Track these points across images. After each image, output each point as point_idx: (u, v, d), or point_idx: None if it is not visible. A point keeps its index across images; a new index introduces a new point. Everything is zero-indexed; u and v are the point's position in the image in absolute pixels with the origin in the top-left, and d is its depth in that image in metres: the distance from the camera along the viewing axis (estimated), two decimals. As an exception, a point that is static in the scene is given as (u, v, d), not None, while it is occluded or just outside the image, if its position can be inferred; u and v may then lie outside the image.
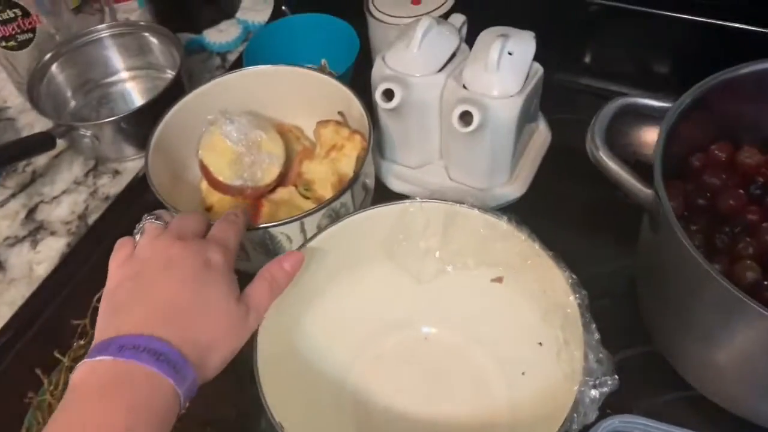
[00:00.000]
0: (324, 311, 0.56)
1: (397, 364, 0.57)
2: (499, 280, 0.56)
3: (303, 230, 0.56)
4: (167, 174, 0.63)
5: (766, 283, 0.49)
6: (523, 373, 0.54)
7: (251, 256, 0.58)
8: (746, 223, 0.53)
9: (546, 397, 0.48)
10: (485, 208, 0.52)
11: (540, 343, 0.53)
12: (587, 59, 0.82)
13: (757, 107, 0.56)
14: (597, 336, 0.44)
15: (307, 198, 0.63)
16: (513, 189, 0.66)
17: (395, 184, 0.68)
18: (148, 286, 0.44)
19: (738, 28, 0.68)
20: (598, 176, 0.54)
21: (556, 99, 0.69)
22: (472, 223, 0.53)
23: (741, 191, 0.54)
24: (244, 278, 0.48)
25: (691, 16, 0.71)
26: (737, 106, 0.55)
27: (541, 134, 0.70)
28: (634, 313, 0.58)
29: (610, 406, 0.46)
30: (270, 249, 0.57)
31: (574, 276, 0.47)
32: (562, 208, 0.67)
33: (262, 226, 0.55)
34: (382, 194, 0.67)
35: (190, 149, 0.64)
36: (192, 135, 0.64)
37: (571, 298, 0.46)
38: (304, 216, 0.55)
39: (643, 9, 0.73)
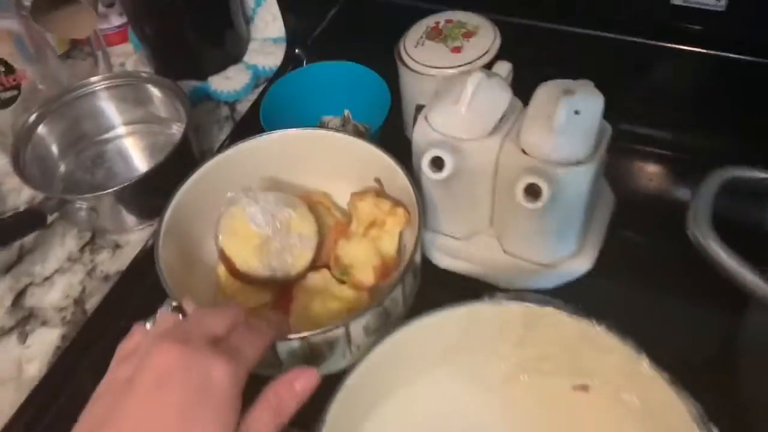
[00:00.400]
0: (379, 428, 0.47)
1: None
2: (584, 388, 0.47)
3: (348, 334, 0.47)
4: (179, 258, 0.54)
5: None
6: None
7: (285, 362, 0.48)
8: None
9: None
10: (574, 311, 0.43)
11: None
12: (645, 107, 0.73)
13: None
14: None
15: (343, 283, 0.54)
16: (581, 262, 0.58)
17: (441, 260, 0.59)
18: (129, 407, 0.35)
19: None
20: (666, 231, 0.48)
21: (613, 152, 0.61)
22: (559, 329, 0.44)
23: None
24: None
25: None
26: None
27: (606, 199, 0.61)
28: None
29: None
30: (308, 357, 0.48)
31: (699, 406, 0.38)
32: (639, 275, 0.58)
33: (298, 336, 0.45)
34: (426, 271, 0.57)
35: (206, 226, 0.55)
36: (208, 210, 0.55)
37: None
38: (351, 320, 0.46)
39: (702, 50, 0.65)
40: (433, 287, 0.58)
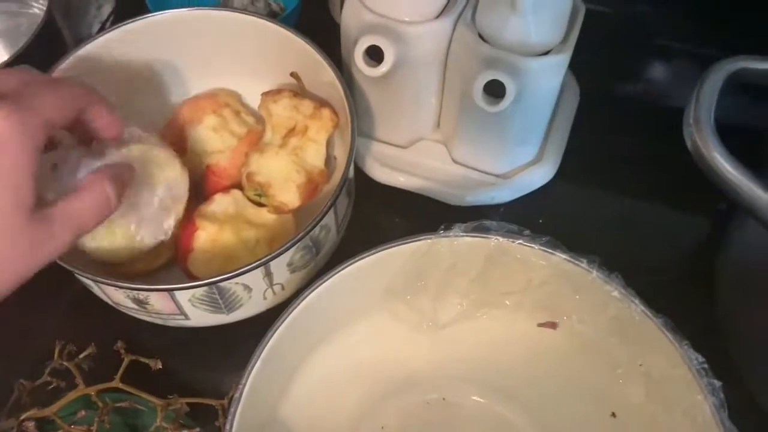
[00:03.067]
0: (316, 376, 0.39)
1: (408, 438, 0.41)
2: (551, 325, 0.40)
3: (268, 273, 0.38)
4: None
5: None
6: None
7: (189, 313, 0.39)
8: None
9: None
10: (552, 245, 0.34)
11: (613, 414, 0.38)
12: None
13: None
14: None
15: (262, 206, 0.44)
16: (542, 172, 0.49)
17: (378, 173, 0.49)
18: None
19: None
20: (637, 128, 0.42)
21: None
22: (527, 263, 0.36)
23: None
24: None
25: None
26: None
27: (571, 91, 0.52)
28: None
29: None
30: (218, 304, 0.38)
31: (701, 359, 0.31)
32: (605, 180, 0.51)
33: (202, 282, 0.35)
34: (362, 187, 0.48)
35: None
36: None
37: (699, 397, 0.30)
38: (271, 259, 0.36)
39: None
40: (370, 207, 0.48)
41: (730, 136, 0.35)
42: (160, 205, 0.39)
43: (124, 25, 0.45)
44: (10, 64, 0.50)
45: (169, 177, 0.39)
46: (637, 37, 0.58)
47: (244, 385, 0.33)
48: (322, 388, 0.40)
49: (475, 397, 0.42)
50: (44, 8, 0.52)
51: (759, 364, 0.41)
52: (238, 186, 0.44)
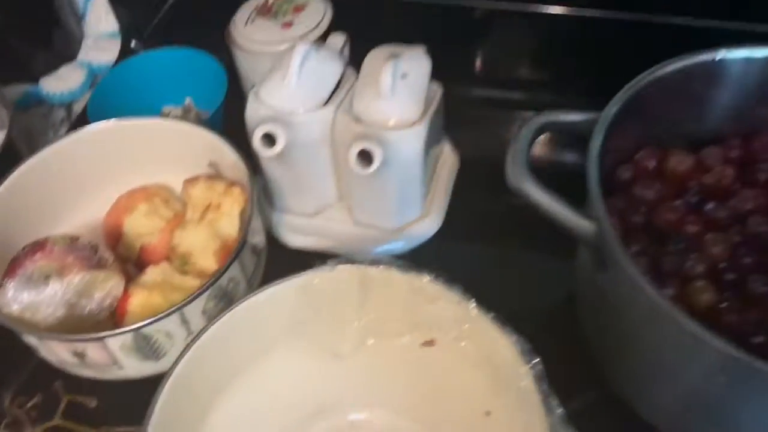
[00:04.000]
0: (230, 409, 0.45)
1: (324, 462, 0.47)
2: (431, 343, 0.47)
3: (185, 321, 0.45)
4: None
5: (724, 305, 0.44)
6: (473, 451, 0.45)
7: (122, 362, 0.46)
8: (688, 238, 0.47)
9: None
10: (406, 267, 0.43)
11: (488, 413, 0.44)
12: (483, 69, 0.75)
13: (681, 106, 0.50)
14: (560, 411, 0.37)
15: (187, 273, 0.52)
16: (428, 224, 0.58)
17: (291, 238, 0.58)
18: None
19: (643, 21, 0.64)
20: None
21: (455, 115, 0.62)
22: (393, 286, 0.44)
23: (678, 202, 0.49)
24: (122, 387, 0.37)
25: (569, 8, 0.66)
26: (659, 108, 0.50)
27: (449, 158, 0.62)
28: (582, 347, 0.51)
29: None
30: (146, 351, 0.45)
31: (523, 340, 0.39)
32: (483, 234, 0.60)
33: (129, 328, 0.43)
34: (277, 253, 0.56)
35: (30, 237, 0.51)
36: (27, 220, 0.51)
37: (523, 369, 0.38)
38: (184, 305, 0.44)
39: (528, 9, 0.68)
40: (285, 267, 0.56)
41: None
42: (98, 306, 0.47)
43: (68, 136, 0.55)
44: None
45: (106, 287, 0.48)
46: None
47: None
48: (237, 425, 0.45)
49: (377, 417, 0.48)
50: (4, 133, 0.63)
51: (610, 363, 0.48)
52: (168, 260, 0.53)
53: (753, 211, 0.48)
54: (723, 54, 0.46)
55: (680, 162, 0.50)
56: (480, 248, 0.59)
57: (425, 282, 0.42)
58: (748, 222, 0.47)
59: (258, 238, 0.52)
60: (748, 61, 0.46)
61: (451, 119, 0.61)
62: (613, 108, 0.45)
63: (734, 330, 0.43)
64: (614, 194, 0.51)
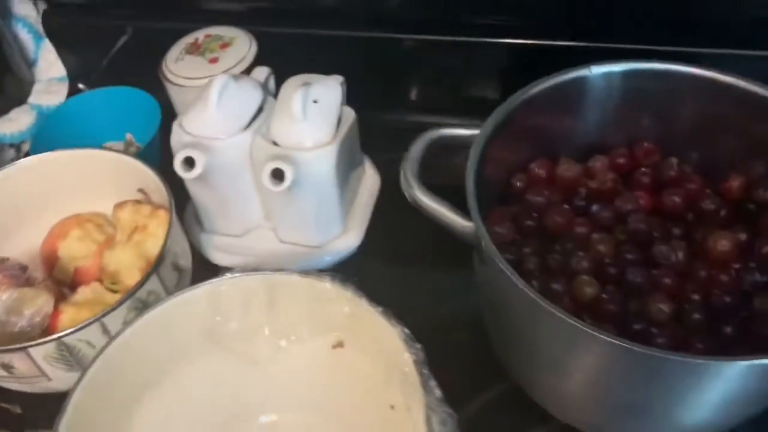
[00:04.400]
0: (147, 419, 0.48)
1: (246, 463, 0.50)
2: (341, 345, 0.50)
3: (106, 331, 0.48)
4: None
5: (605, 296, 0.48)
6: (382, 442, 0.48)
7: (49, 373, 0.49)
8: (576, 238, 0.51)
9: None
10: (306, 271, 0.47)
11: (392, 406, 0.48)
12: (409, 95, 0.80)
13: (565, 119, 0.55)
14: (438, 393, 0.40)
15: (116, 292, 0.55)
16: (348, 240, 0.62)
17: (218, 257, 0.62)
18: None
19: (529, 44, 0.69)
20: None
21: (383, 139, 0.67)
22: (296, 290, 0.47)
23: (566, 206, 0.53)
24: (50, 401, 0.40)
25: (489, 38, 0.71)
26: (544, 120, 0.54)
27: (369, 178, 0.67)
28: (489, 349, 0.55)
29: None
30: (71, 362, 0.48)
31: (406, 330, 0.43)
32: (404, 251, 0.64)
33: (50, 338, 0.46)
34: (207, 271, 0.60)
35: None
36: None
37: (406, 355, 0.42)
38: (104, 315, 0.47)
39: (451, 38, 0.73)
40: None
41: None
42: (28, 323, 0.50)
43: (11, 165, 0.59)
44: None
45: (36, 303, 0.51)
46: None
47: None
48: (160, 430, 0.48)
49: (297, 420, 0.52)
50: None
51: (517, 362, 0.52)
52: (98, 279, 0.56)
53: (633, 211, 0.52)
54: (588, 70, 0.51)
55: (568, 169, 0.55)
56: (400, 261, 0.63)
57: (323, 283, 0.46)
58: (628, 220, 0.51)
59: (182, 258, 0.55)
60: (609, 75, 0.51)
61: (379, 142, 0.65)
62: (490, 122, 0.49)
63: (616, 319, 0.47)
64: (509, 202, 0.55)
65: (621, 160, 0.56)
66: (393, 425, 0.47)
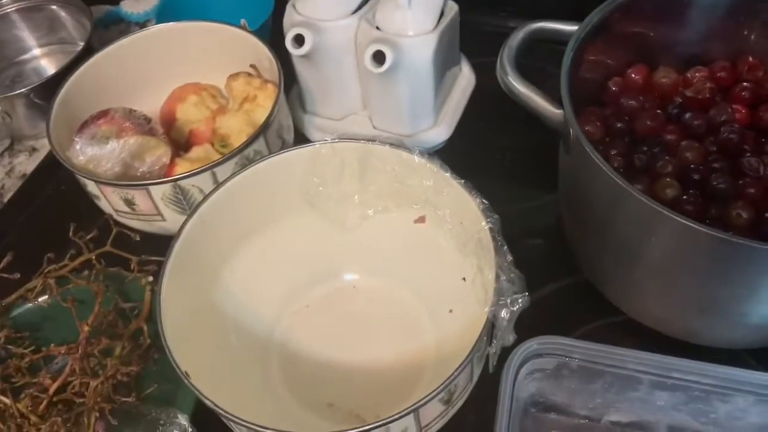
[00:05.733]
0: (244, 265, 0.54)
1: (325, 314, 0.56)
2: (422, 220, 0.54)
3: (216, 181, 0.54)
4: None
5: (685, 197, 0.49)
6: (450, 311, 0.52)
7: (164, 213, 0.55)
8: (665, 143, 0.52)
9: (468, 329, 0.47)
10: (397, 144, 0.50)
11: (464, 278, 0.51)
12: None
13: (667, 27, 0.55)
14: (509, 257, 0.43)
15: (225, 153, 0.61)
16: (437, 133, 0.65)
17: (317, 137, 0.66)
18: None
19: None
20: (527, 119, 0.52)
21: (480, 42, 0.68)
22: (387, 161, 0.51)
23: (659, 111, 0.54)
24: (161, 240, 0.46)
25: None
26: (645, 27, 0.54)
27: (465, 77, 0.69)
28: (564, 246, 0.57)
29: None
30: (183, 204, 0.54)
31: (485, 201, 0.46)
32: (488, 151, 0.67)
33: (169, 178, 0.52)
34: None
35: (95, 109, 0.61)
36: (98, 99, 0.61)
37: (483, 223, 0.45)
38: (215, 165, 0.53)
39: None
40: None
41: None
42: (149, 169, 0.57)
43: (137, 32, 0.65)
44: (60, 72, 0.69)
45: (156, 153, 0.57)
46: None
47: (164, 273, 0.45)
48: (251, 278, 0.53)
49: (375, 282, 0.56)
50: (85, 42, 0.73)
51: (591, 254, 0.54)
52: (210, 141, 0.62)
53: (727, 122, 0.52)
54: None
55: (665, 76, 0.55)
56: (482, 168, 0.64)
57: (411, 155, 0.49)
58: (720, 130, 0.51)
59: (285, 129, 0.60)
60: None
61: (479, 45, 0.66)
62: (590, 21, 0.50)
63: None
64: (603, 105, 0.56)
65: (722, 74, 0.56)
66: (462, 296, 0.51)
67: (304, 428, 0.40)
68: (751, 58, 0.55)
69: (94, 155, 0.54)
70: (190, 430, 0.46)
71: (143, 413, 0.48)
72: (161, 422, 0.46)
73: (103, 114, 0.57)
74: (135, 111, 0.59)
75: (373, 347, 0.53)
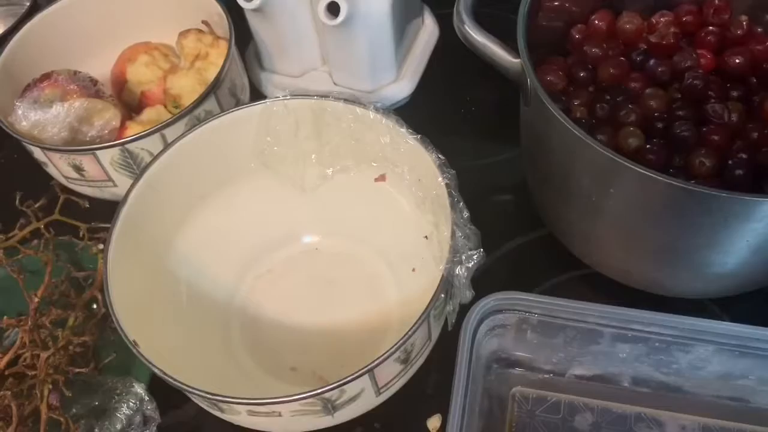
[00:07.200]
0: (199, 230, 0.52)
1: (287, 278, 0.55)
2: (383, 178, 0.53)
3: (165, 143, 0.52)
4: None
5: (648, 147, 0.47)
6: (413, 270, 0.52)
7: (115, 179, 0.53)
8: (628, 91, 0.51)
9: (430, 288, 0.46)
10: (351, 99, 0.48)
11: (426, 237, 0.50)
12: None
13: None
14: (466, 214, 0.42)
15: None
16: (400, 88, 0.63)
17: (275, 95, 0.64)
18: None
19: None
20: (493, 72, 0.50)
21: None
22: (341, 117, 0.49)
23: (622, 59, 0.52)
24: (114, 206, 0.45)
25: None
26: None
27: (427, 29, 0.66)
28: (531, 201, 0.56)
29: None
30: (134, 168, 0.53)
31: (441, 157, 0.44)
32: (454, 106, 0.65)
33: (116, 142, 0.50)
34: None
35: (40, 72, 0.58)
36: (43, 61, 0.59)
37: (440, 179, 0.43)
38: (163, 127, 0.51)
39: None
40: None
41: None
42: (98, 133, 0.54)
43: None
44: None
45: (105, 116, 0.55)
46: None
47: (110, 240, 0.44)
48: (206, 243, 0.52)
49: (338, 244, 0.55)
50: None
51: (554, 207, 0.53)
52: (162, 102, 0.60)
53: (691, 68, 0.50)
54: None
55: (629, 22, 0.53)
56: (446, 123, 0.64)
57: (366, 110, 0.47)
58: (684, 76, 0.50)
59: (239, 87, 0.58)
60: None
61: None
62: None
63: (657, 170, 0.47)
64: (567, 54, 0.54)
65: (688, 17, 0.54)
66: (424, 254, 0.50)
67: (264, 393, 0.39)
68: (717, 0, 0.53)
69: (38, 120, 0.51)
70: (146, 398, 0.45)
71: (100, 383, 0.47)
72: (117, 392, 0.45)
73: (46, 77, 0.55)
74: (80, 73, 0.56)
75: (337, 309, 0.52)
